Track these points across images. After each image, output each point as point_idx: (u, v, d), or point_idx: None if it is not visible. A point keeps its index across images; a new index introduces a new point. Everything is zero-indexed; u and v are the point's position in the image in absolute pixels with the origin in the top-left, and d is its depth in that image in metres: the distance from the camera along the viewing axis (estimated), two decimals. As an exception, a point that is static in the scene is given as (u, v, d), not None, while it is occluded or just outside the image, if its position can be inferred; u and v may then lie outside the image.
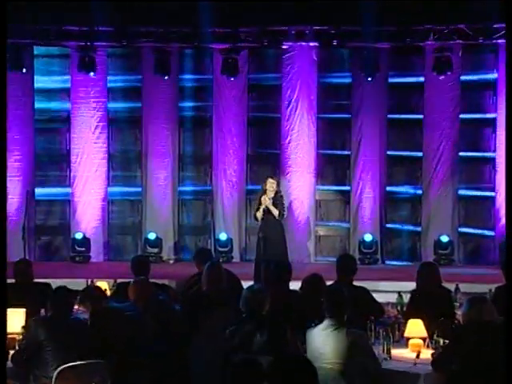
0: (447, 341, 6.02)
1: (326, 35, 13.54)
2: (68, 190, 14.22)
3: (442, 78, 13.44)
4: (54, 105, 14.30)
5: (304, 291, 7.21)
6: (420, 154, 14.09)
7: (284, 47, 13.92)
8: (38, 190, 14.17)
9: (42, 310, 6.82)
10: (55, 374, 5.65)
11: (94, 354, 5.79)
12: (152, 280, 7.48)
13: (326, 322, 5.86)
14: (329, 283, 7.19)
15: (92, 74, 13.63)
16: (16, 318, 6.44)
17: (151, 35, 13.56)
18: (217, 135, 14.22)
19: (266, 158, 14.41)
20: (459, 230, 14.04)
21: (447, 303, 7.22)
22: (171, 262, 14.05)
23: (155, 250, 13.78)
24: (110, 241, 14.32)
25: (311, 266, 12.24)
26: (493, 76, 13.77)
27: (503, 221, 12.69)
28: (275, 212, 10.85)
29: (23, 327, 6.40)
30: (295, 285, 7.42)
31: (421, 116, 14.03)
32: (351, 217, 14.23)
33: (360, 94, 14.01)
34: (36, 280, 7.91)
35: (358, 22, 12.82)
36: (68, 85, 14.12)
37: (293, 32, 13.61)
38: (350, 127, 14.16)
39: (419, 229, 14.17)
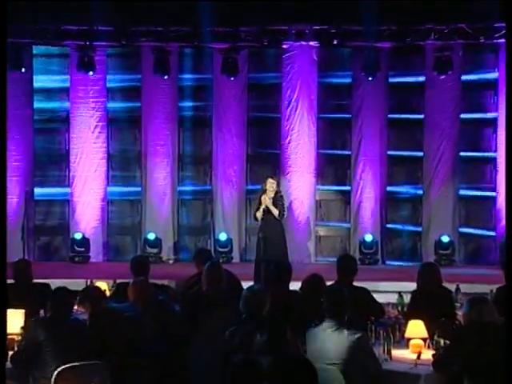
0: (448, 341, 6.00)
1: (327, 35, 13.54)
2: (67, 190, 14.21)
3: (442, 77, 13.44)
4: (53, 104, 14.29)
5: (304, 291, 7.20)
6: (421, 153, 14.08)
7: (284, 47, 13.91)
8: (37, 190, 14.16)
9: (41, 311, 6.82)
10: (54, 374, 5.63)
11: (93, 355, 5.78)
12: (151, 280, 7.45)
13: (326, 323, 5.84)
14: (329, 283, 7.16)
15: (91, 73, 13.63)
16: (15, 319, 6.42)
17: (151, 34, 13.56)
18: (216, 135, 14.21)
19: (266, 157, 14.40)
20: (460, 230, 14.04)
21: (448, 304, 7.19)
22: (171, 262, 14.04)
23: (155, 251, 13.77)
24: (109, 241, 14.31)
25: (311, 267, 12.20)
26: (493, 75, 13.76)
27: (504, 221, 12.66)
28: (275, 212, 10.82)
29: (22, 328, 6.38)
30: (295, 285, 7.39)
31: (421, 116, 14.02)
32: (351, 217, 14.21)
33: (360, 94, 14.00)
34: (35, 280, 7.88)
35: (358, 22, 12.84)
36: (67, 84, 14.11)
37: (293, 31, 13.62)
38: (351, 127, 14.15)
39: (420, 229, 14.16)
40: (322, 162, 14.24)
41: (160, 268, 12.01)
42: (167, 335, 6.39)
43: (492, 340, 5.43)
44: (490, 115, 13.87)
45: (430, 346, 6.27)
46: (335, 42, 13.57)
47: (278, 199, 10.94)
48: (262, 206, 10.86)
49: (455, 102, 13.84)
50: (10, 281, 7.32)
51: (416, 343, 6.24)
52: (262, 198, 10.88)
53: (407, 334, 6.44)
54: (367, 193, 14.02)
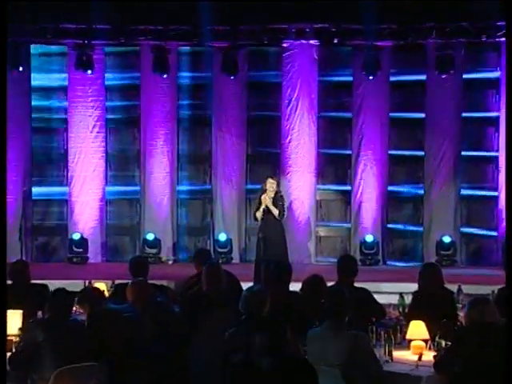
0: (449, 343, 5.97)
1: (327, 33, 13.54)
2: (65, 189, 14.19)
3: (444, 76, 13.42)
4: (51, 104, 14.28)
5: (304, 292, 7.20)
6: (422, 153, 14.06)
7: (284, 45, 13.89)
8: (35, 190, 14.14)
9: (39, 312, 6.82)
10: (52, 376, 5.60)
11: (91, 356, 5.75)
12: (150, 281, 7.44)
13: (326, 324, 5.81)
14: (329, 284, 7.15)
15: (89, 72, 13.61)
16: (13, 320, 6.40)
17: (150, 33, 13.54)
18: (216, 134, 14.18)
19: (266, 157, 14.38)
20: (461, 230, 14.02)
21: (449, 305, 7.18)
22: (170, 262, 14.02)
23: (154, 251, 13.75)
24: (107, 241, 14.28)
25: (312, 267, 12.21)
26: (495, 74, 13.73)
27: (506, 221, 12.64)
28: (275, 212, 10.78)
29: (20, 329, 6.37)
30: (296, 286, 7.37)
31: (423, 115, 13.99)
32: (352, 217, 14.19)
33: (361, 93, 13.97)
34: (33, 281, 7.85)
35: (358, 20, 12.87)
36: (65, 83, 14.08)
37: (293, 30, 13.62)
38: (351, 126, 14.13)
39: (421, 229, 14.14)
40: (322, 162, 14.22)
41: (159, 268, 12.02)
42: (166, 336, 6.37)
43: (493, 341, 5.42)
44: (491, 114, 13.86)
45: (432, 347, 6.25)
46: (336, 41, 13.58)
47: (278, 199, 10.89)
48: (262, 206, 10.81)
49: (457, 100, 13.81)
50: (7, 281, 7.28)
51: (417, 344, 6.21)
52: (262, 197, 10.83)
53: (408, 336, 6.42)
54: (368, 193, 13.99)
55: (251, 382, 4.39)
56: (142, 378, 5.61)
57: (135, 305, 6.57)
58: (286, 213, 11.26)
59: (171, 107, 14.13)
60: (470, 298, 6.25)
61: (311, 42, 13.78)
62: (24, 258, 11.99)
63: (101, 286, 7.86)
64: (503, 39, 12.82)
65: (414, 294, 7.28)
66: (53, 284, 7.58)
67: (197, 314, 6.67)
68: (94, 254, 13.93)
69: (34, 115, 14.08)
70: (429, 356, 6.03)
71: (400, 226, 14.24)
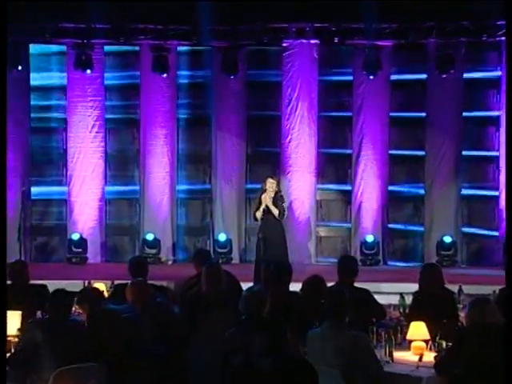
0: (450, 343, 5.95)
1: (327, 32, 13.56)
2: (65, 189, 14.17)
3: (444, 75, 13.38)
4: (50, 103, 14.26)
5: (305, 293, 7.17)
6: (422, 152, 14.06)
7: (284, 45, 13.90)
8: (34, 190, 14.13)
9: (38, 312, 6.83)
10: (52, 376, 5.58)
11: (91, 356, 5.73)
12: (150, 281, 7.42)
13: (326, 324, 5.79)
14: (330, 285, 7.12)
15: (89, 71, 13.59)
16: (12, 321, 6.38)
17: (149, 32, 13.56)
18: (216, 134, 14.17)
19: (265, 157, 14.37)
20: (462, 230, 14.03)
21: (450, 305, 7.18)
22: (169, 263, 14.01)
23: (153, 251, 13.75)
24: (107, 241, 14.27)
25: (312, 268, 12.19)
26: (496, 74, 13.72)
27: (508, 221, 12.63)
28: (275, 212, 10.75)
29: (19, 330, 6.36)
30: (296, 286, 7.35)
31: (423, 114, 14.00)
32: (352, 217, 14.18)
33: (361, 92, 13.97)
34: (32, 282, 7.84)
35: (359, 20, 12.89)
36: (64, 83, 14.05)
37: (293, 29, 13.64)
38: (352, 126, 14.14)
39: (422, 229, 14.14)
40: (322, 162, 14.22)
41: (159, 269, 12.02)
42: (166, 336, 6.37)
43: (494, 341, 5.38)
44: (492, 114, 13.86)
45: (432, 347, 6.22)
46: (336, 40, 13.61)
47: (278, 199, 10.86)
48: (262, 206, 10.79)
49: (457, 100, 13.82)
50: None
51: (418, 345, 6.19)
52: (263, 197, 10.80)
53: (409, 336, 6.39)
54: (368, 192, 13.98)
55: (251, 382, 4.39)
56: (142, 379, 5.60)
57: (135, 305, 6.54)
58: (286, 213, 11.22)
59: (171, 107, 14.11)
60: (470, 299, 6.25)
61: (311, 41, 13.78)
62: (23, 259, 11.93)
63: (100, 286, 7.84)
64: (504, 38, 12.80)
65: (415, 294, 7.28)
66: (52, 284, 7.53)
67: (196, 315, 6.66)
68: (93, 255, 13.92)
69: (32, 115, 14.07)
70: (429, 357, 6.00)
71: (400, 226, 14.24)
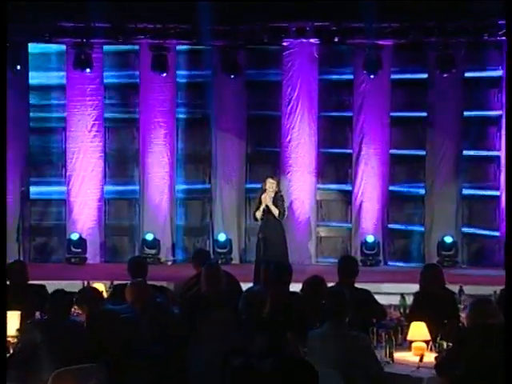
0: (451, 344, 5.93)
1: (327, 32, 13.54)
2: (64, 189, 14.14)
3: (445, 75, 13.35)
4: (49, 103, 14.22)
5: (305, 293, 7.16)
6: (423, 152, 14.05)
7: (284, 44, 13.88)
8: (33, 190, 14.10)
9: (37, 313, 6.80)
10: (51, 377, 5.56)
11: (90, 357, 5.72)
12: (149, 282, 7.39)
13: (327, 325, 5.79)
14: (330, 285, 7.12)
15: (88, 70, 13.56)
16: (11, 321, 6.35)
17: (149, 32, 13.54)
18: (216, 133, 14.13)
19: (265, 157, 14.34)
20: (463, 230, 14.02)
21: (451, 305, 7.16)
22: (169, 263, 13.99)
23: (153, 252, 13.73)
24: (106, 242, 14.25)
25: (312, 268, 12.18)
26: (497, 73, 13.70)
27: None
28: (275, 212, 10.72)
29: (18, 330, 6.36)
30: (296, 287, 7.35)
31: (424, 114, 13.99)
32: (353, 217, 14.16)
33: (362, 92, 13.96)
34: (31, 282, 7.80)
35: (359, 19, 12.87)
36: (64, 82, 14.02)
37: (293, 28, 13.61)
38: (352, 125, 14.12)
39: (422, 229, 14.12)
40: (322, 161, 14.20)
41: (158, 269, 12.06)
42: (165, 337, 6.35)
43: (495, 342, 5.35)
44: (493, 113, 13.84)
45: (433, 348, 6.20)
46: (336, 39, 13.58)
47: (278, 199, 10.84)
48: (263, 206, 10.76)
49: (458, 99, 13.80)
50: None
51: (418, 346, 6.17)
52: (263, 196, 10.78)
53: (409, 337, 6.38)
54: (369, 192, 13.96)
55: (251, 382, 4.40)
56: (141, 379, 5.61)
57: (134, 306, 6.52)
58: (286, 213, 11.19)
59: (170, 106, 14.08)
60: (471, 299, 6.28)
61: (311, 40, 13.76)
62: (22, 259, 11.91)
63: (99, 286, 7.83)
64: (505, 38, 12.76)
65: (415, 294, 7.26)
66: (51, 285, 7.50)
67: (196, 315, 6.63)
68: (92, 255, 13.89)
69: (31, 114, 14.05)
70: (430, 357, 5.98)
71: (401, 226, 14.22)
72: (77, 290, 6.75)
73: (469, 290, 8.55)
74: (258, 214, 10.83)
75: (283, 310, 6.39)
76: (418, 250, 14.13)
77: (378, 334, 6.32)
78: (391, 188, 14.10)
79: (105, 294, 7.62)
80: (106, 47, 13.90)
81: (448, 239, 13.56)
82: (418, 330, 6.34)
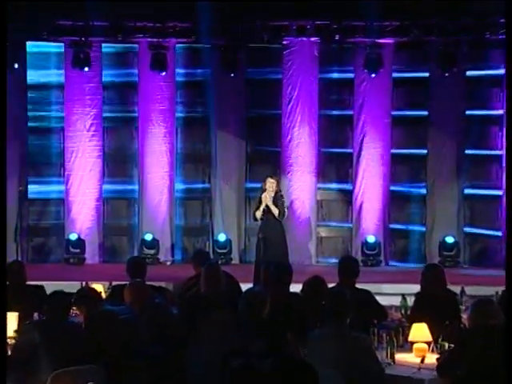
0: (452, 345, 5.91)
1: (328, 30, 13.56)
2: (62, 189, 14.11)
3: (447, 74, 13.32)
4: (47, 101, 14.19)
5: (305, 294, 7.14)
6: (425, 151, 14.05)
7: (285, 43, 13.90)
8: (31, 190, 14.07)
9: (36, 314, 6.80)
10: (49, 378, 5.50)
11: (88, 358, 5.69)
12: (148, 282, 7.40)
13: (327, 326, 5.78)
14: (331, 286, 7.08)
15: (86, 69, 13.53)
16: (8, 322, 6.29)
17: (147, 30, 13.55)
18: (215, 133, 14.12)
19: (266, 156, 14.33)
20: (465, 230, 14.03)
21: (453, 306, 7.12)
22: (168, 263, 13.96)
23: (152, 252, 13.72)
24: (105, 242, 14.24)
25: (312, 268, 12.19)
26: (499, 72, 13.62)
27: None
28: (275, 211, 10.69)
29: (16, 331, 6.34)
30: (296, 287, 7.33)
31: (425, 113, 13.99)
32: (354, 217, 14.15)
33: (363, 91, 13.95)
34: (29, 282, 7.80)
35: (360, 17, 12.88)
36: (62, 81, 13.98)
37: (294, 27, 13.62)
38: (353, 124, 14.11)
39: (423, 229, 14.12)
40: (323, 161, 14.20)
41: (157, 270, 12.07)
42: (164, 338, 6.29)
43: (497, 343, 5.32)
44: (495, 112, 13.83)
45: (434, 349, 6.18)
46: (337, 38, 13.62)
47: (278, 198, 10.81)
48: (263, 205, 10.74)
49: (460, 98, 13.81)
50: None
51: (420, 347, 6.15)
52: (263, 196, 10.74)
53: (411, 338, 6.35)
54: (370, 192, 13.95)
55: (251, 383, 4.32)
56: (140, 380, 5.57)
57: (133, 306, 6.50)
58: (286, 213, 11.15)
59: (169, 105, 14.06)
60: (473, 300, 6.22)
61: (312, 39, 13.75)
62: (20, 259, 11.87)
63: (98, 287, 7.82)
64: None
65: (417, 295, 7.22)
66: (49, 285, 7.53)
67: (195, 316, 6.58)
68: (91, 255, 13.87)
69: (29, 113, 14.02)
70: (431, 359, 5.95)
71: (402, 227, 14.23)
72: (75, 291, 6.71)
73: (470, 290, 8.61)
74: (258, 214, 10.80)
75: (283, 310, 6.35)
76: (419, 250, 14.12)
77: (378, 335, 6.28)
78: (392, 188, 14.08)
79: (103, 295, 7.62)
80: (104, 46, 13.89)
81: (449, 239, 13.56)
82: (420, 331, 6.31)
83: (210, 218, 14.03)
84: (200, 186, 14.40)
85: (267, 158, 14.26)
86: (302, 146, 13.93)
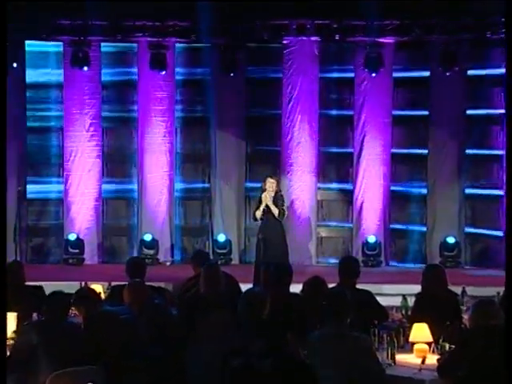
0: (453, 346, 5.91)
1: (328, 29, 13.54)
2: (61, 189, 14.09)
3: (448, 73, 13.31)
4: (46, 101, 14.17)
5: (305, 294, 7.16)
6: (425, 151, 14.04)
7: (285, 42, 13.88)
8: (30, 190, 14.05)
9: (34, 314, 6.80)
10: (48, 379, 5.49)
11: (88, 359, 5.70)
12: (148, 283, 7.42)
13: (327, 326, 5.77)
14: (331, 286, 7.08)
15: (86, 68, 13.52)
16: (7, 322, 6.29)
17: (147, 29, 13.53)
18: (215, 132, 14.11)
19: (266, 156, 14.31)
20: (466, 230, 14.02)
21: (453, 307, 7.13)
22: (168, 264, 13.94)
23: (151, 252, 13.70)
24: (104, 242, 14.22)
25: (313, 269, 12.17)
26: (501, 71, 13.56)
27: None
28: (275, 211, 10.68)
29: (14, 332, 6.36)
30: (296, 288, 7.33)
31: (426, 112, 13.99)
32: (354, 217, 14.14)
33: (363, 90, 13.94)
34: (28, 283, 7.81)
35: (360, 16, 12.89)
36: (61, 80, 13.96)
37: (294, 26, 13.58)
38: (353, 124, 14.09)
39: (424, 229, 14.12)
40: (323, 161, 14.19)
41: (156, 270, 12.03)
42: (163, 338, 6.30)
43: (498, 344, 5.32)
44: (497, 112, 13.79)
45: (435, 350, 6.18)
46: (337, 37, 13.59)
47: (278, 198, 10.81)
48: (263, 205, 10.73)
49: (461, 98, 13.80)
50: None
51: (420, 347, 6.15)
52: (263, 196, 10.73)
53: (411, 338, 6.35)
54: (370, 192, 13.94)
55: (251, 383, 4.35)
56: (139, 381, 5.59)
57: (132, 307, 6.52)
58: (286, 213, 11.14)
59: (169, 105, 14.04)
60: (474, 300, 6.22)
61: (312, 38, 13.74)
62: (19, 260, 11.86)
63: (97, 287, 7.82)
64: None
65: (417, 295, 7.22)
66: (48, 286, 7.52)
67: (195, 316, 6.59)
68: (90, 256, 13.84)
69: (28, 113, 14.00)
70: (432, 359, 5.96)
71: (403, 227, 14.22)
72: (74, 291, 6.71)
73: (472, 291, 8.61)
74: (258, 214, 10.80)
75: (283, 310, 6.37)
76: (419, 250, 14.12)
77: (379, 336, 6.28)
78: (393, 187, 14.07)
79: (102, 295, 7.64)
80: (103, 45, 13.87)
81: (450, 239, 13.55)
82: (420, 332, 6.31)
83: (210, 218, 14.01)
84: (200, 185, 14.38)
85: (267, 158, 14.24)
86: (302, 145, 13.92)
